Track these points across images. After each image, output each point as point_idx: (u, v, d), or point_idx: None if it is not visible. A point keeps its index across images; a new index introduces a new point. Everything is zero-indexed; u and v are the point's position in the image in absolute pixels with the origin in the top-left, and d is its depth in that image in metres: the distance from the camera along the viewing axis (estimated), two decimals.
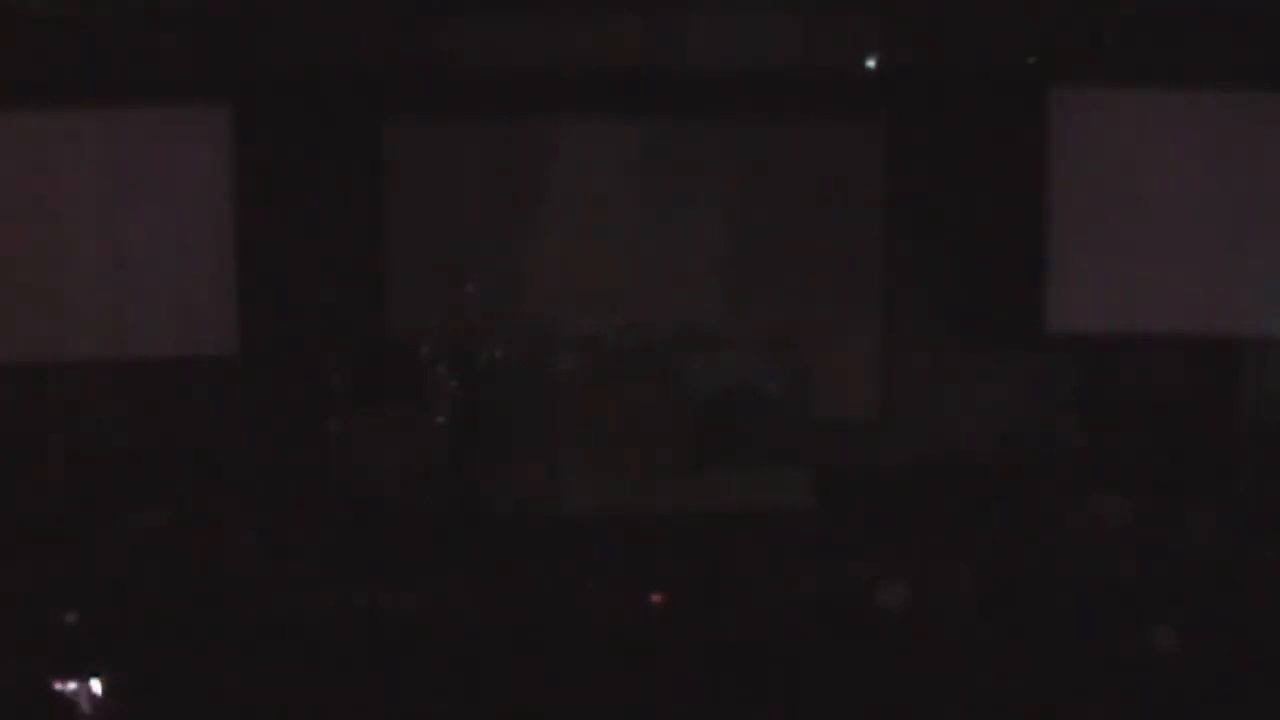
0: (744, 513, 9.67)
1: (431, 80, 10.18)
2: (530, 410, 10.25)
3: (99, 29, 9.59)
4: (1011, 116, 10.34)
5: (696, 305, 10.66)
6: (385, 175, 10.65)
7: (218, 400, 10.33)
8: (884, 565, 8.70)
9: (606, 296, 10.56)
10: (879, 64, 10.14)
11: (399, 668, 7.38)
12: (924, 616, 8.01)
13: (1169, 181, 10.19)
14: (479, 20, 9.95)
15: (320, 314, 10.45)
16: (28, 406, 10.21)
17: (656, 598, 8.31)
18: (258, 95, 10.06)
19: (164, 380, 10.30)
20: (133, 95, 9.89)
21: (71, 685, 6.71)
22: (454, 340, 10.47)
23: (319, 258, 10.45)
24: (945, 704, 7.08)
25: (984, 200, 10.53)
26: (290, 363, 10.37)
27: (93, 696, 6.77)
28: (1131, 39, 9.86)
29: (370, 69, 9.98)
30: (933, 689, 7.16)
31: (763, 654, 7.44)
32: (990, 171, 10.49)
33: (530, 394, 10.32)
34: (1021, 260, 10.35)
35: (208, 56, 9.77)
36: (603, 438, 9.99)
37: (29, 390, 10.22)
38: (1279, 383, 10.42)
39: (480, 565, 8.84)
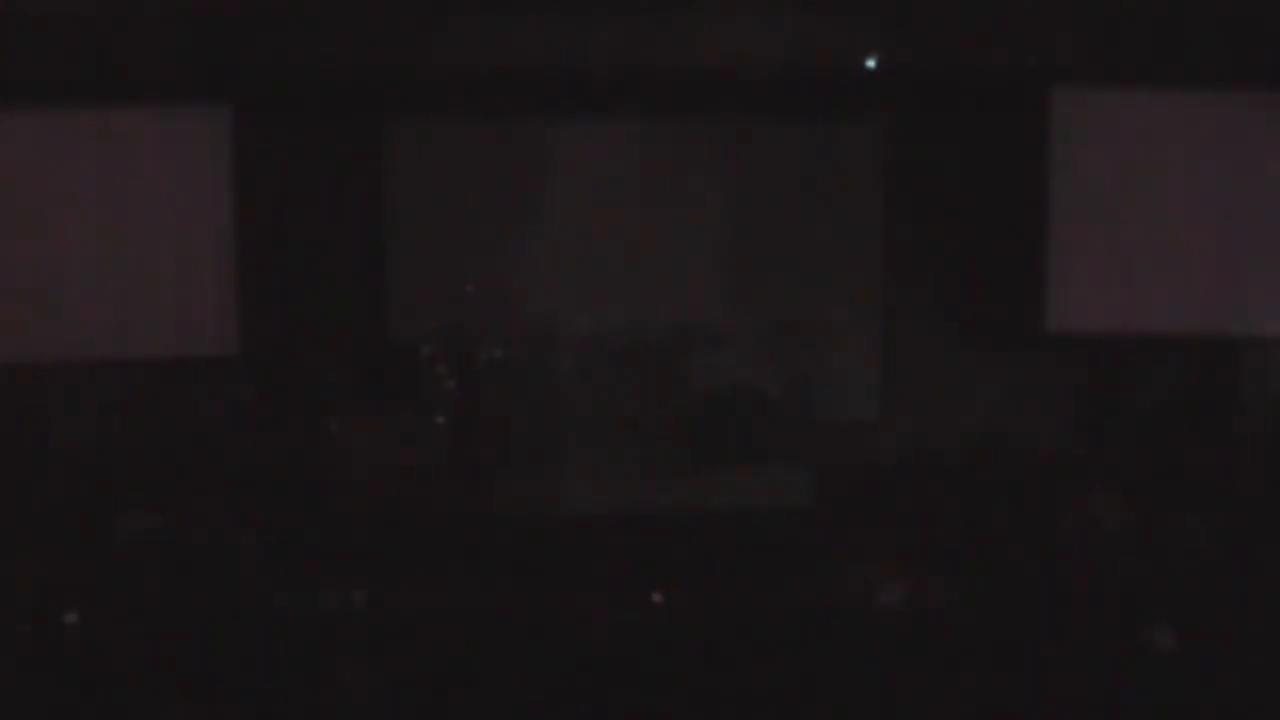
0: (744, 513, 9.67)
1: (431, 80, 10.18)
2: (530, 410, 10.26)
3: (99, 29, 9.59)
4: (1011, 116, 10.34)
5: (696, 305, 10.66)
6: (385, 175, 10.65)
7: (218, 400, 10.33)
8: (884, 565, 8.70)
9: (606, 296, 10.56)
10: (879, 64, 10.13)
11: (399, 668, 7.38)
12: (924, 616, 8.01)
13: (1169, 181, 10.18)
14: (479, 20, 9.94)
15: (320, 314, 10.46)
16: (28, 406, 10.21)
17: (656, 598, 8.32)
18: (258, 95, 10.06)
19: (164, 380, 10.29)
20: (133, 95, 9.89)
21: None
22: (454, 340, 10.47)
23: (319, 258, 10.46)
24: (945, 704, 7.09)
25: (984, 200, 10.53)
26: (290, 363, 10.38)
27: None
28: (1131, 39, 9.86)
29: (370, 69, 9.98)
30: (932, 689, 7.16)
31: (762, 654, 7.44)
32: (990, 171, 10.49)
33: (530, 394, 10.32)
34: (1021, 260, 10.35)
35: (208, 56, 9.76)
36: (603, 438, 9.99)
37: (29, 390, 10.21)
38: (1279, 383, 10.42)
39: (480, 565, 8.84)
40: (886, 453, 10.47)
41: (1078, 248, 10.22)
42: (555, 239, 10.56)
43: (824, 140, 10.75)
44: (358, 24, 9.84)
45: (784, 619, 7.88)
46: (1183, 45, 9.82)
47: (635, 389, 10.20)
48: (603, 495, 9.80)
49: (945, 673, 7.24)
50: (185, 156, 10.08)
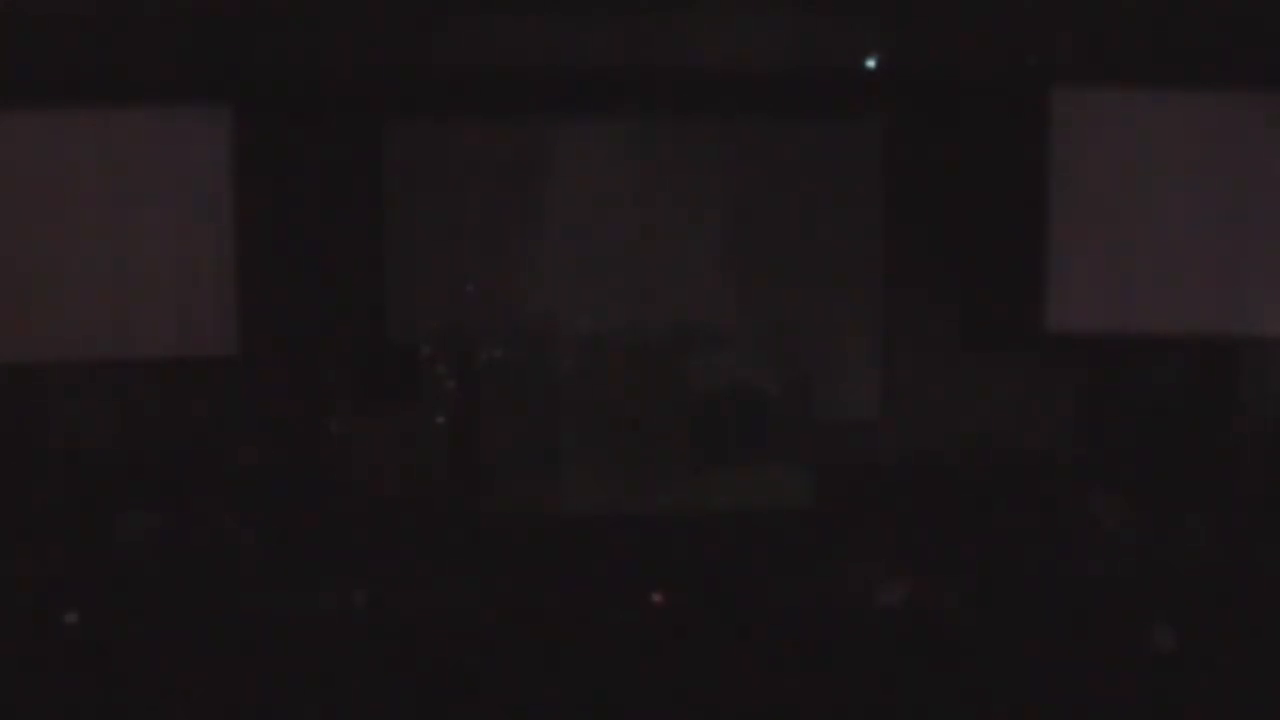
0: (744, 513, 9.67)
1: (431, 80, 10.18)
2: (530, 410, 10.25)
3: (99, 29, 9.58)
4: (1012, 116, 10.34)
5: (696, 305, 10.66)
6: (385, 175, 10.65)
7: (218, 400, 10.33)
8: (884, 565, 8.70)
9: (606, 296, 10.57)
10: (879, 64, 10.13)
11: (399, 668, 7.38)
12: (924, 616, 8.01)
13: (1169, 181, 10.18)
14: (479, 20, 9.94)
15: (320, 314, 10.46)
16: (28, 406, 10.21)
17: (656, 598, 8.31)
18: (258, 95, 10.06)
19: (164, 380, 10.30)
20: (133, 95, 9.89)
21: None
22: (454, 340, 10.47)
23: (319, 258, 10.45)
24: (945, 704, 7.08)
25: (984, 200, 10.53)
26: (290, 363, 10.38)
27: None
28: (1131, 39, 9.86)
29: (370, 69, 9.97)
30: (932, 689, 7.16)
31: (762, 654, 7.44)
32: (990, 171, 10.49)
33: (530, 394, 10.32)
34: (1021, 260, 10.34)
35: (208, 56, 9.76)
36: (603, 438, 9.99)
37: (29, 390, 10.21)
38: (1279, 383, 10.42)
39: (480, 565, 8.84)
40: (886, 453, 10.46)
41: (1078, 248, 10.22)
42: (555, 239, 10.56)
43: (824, 140, 10.75)
44: (358, 24, 9.84)
45: (784, 619, 7.87)
46: (1183, 45, 9.81)
47: (635, 389, 10.20)
48: (603, 495, 9.80)
49: (945, 673, 7.24)
50: (185, 156, 10.08)
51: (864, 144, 10.74)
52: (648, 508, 9.65)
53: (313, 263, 10.42)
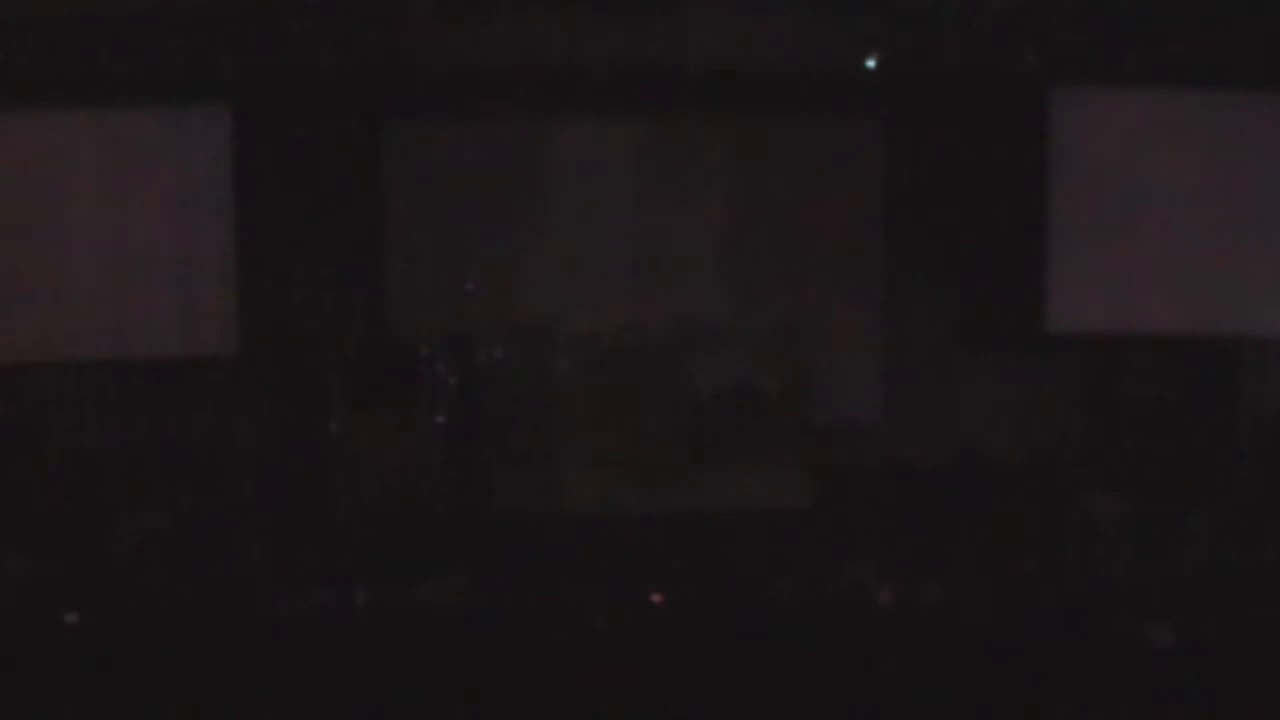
0: (744, 513, 9.67)
1: (431, 80, 10.18)
2: (530, 410, 10.25)
3: (99, 29, 9.59)
4: (1011, 116, 10.34)
5: (696, 304, 10.66)
6: (385, 175, 10.65)
7: (218, 400, 10.33)
8: (884, 565, 8.70)
9: (606, 296, 10.56)
10: (879, 64, 10.13)
11: (399, 668, 7.38)
12: (922, 616, 8.01)
13: (1169, 181, 10.18)
14: (479, 20, 9.94)
15: (320, 314, 10.46)
16: (28, 406, 10.21)
17: (656, 598, 8.31)
18: (258, 95, 10.06)
19: (164, 380, 10.29)
20: (133, 95, 9.89)
21: None
22: (454, 340, 10.47)
23: (319, 258, 10.45)
24: (944, 704, 7.09)
25: (984, 200, 10.53)
26: (290, 363, 10.38)
27: None
28: (1131, 39, 9.86)
29: (370, 69, 9.98)
30: (931, 689, 7.16)
31: (762, 653, 7.44)
32: (990, 171, 10.49)
33: (530, 394, 10.32)
34: (1021, 260, 10.34)
35: (208, 56, 9.77)
36: (602, 437, 9.99)
37: (29, 390, 10.21)
38: (1279, 383, 10.42)
39: (481, 565, 8.84)
40: (886, 453, 10.46)
41: (1078, 248, 10.22)
42: (555, 239, 10.56)
43: (824, 140, 10.75)
44: (358, 24, 9.84)
45: (783, 618, 7.87)
46: (1183, 45, 9.81)
47: (635, 389, 10.19)
48: (603, 495, 9.80)
49: (943, 673, 7.24)
50: (185, 156, 10.08)
51: (864, 144, 10.74)
52: (648, 508, 9.65)
53: (313, 263, 10.42)
